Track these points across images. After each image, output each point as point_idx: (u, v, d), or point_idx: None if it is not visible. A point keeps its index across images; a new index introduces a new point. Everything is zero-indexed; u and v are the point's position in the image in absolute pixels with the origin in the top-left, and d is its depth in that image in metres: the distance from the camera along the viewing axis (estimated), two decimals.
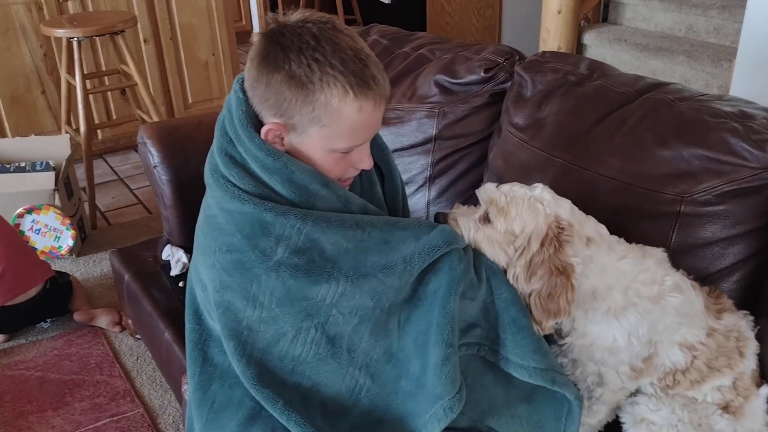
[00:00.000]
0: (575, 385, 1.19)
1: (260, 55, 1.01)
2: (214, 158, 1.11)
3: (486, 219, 1.15)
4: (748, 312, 1.24)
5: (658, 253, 1.19)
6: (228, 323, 1.08)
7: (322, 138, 1.03)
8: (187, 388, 1.24)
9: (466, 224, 1.16)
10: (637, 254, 1.16)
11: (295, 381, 1.07)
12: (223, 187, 1.06)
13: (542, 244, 1.08)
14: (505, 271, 1.14)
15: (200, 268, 1.14)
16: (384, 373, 1.08)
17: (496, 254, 1.14)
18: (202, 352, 1.16)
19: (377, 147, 1.23)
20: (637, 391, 1.22)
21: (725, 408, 1.17)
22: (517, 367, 1.11)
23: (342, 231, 1.04)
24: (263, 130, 1.04)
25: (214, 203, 1.09)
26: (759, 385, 1.20)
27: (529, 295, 1.10)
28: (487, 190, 1.17)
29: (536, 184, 1.16)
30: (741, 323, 1.21)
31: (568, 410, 1.15)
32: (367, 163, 1.11)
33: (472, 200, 1.77)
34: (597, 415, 1.22)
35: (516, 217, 1.11)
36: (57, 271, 2.42)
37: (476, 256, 1.15)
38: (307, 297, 1.04)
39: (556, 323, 1.13)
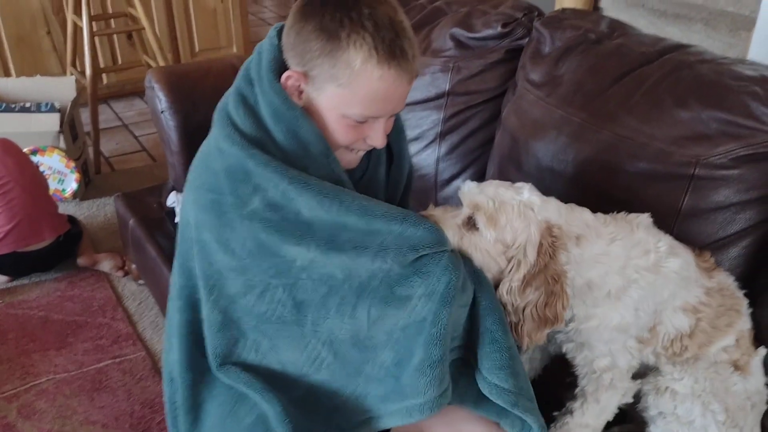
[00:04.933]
0: (587, 373, 1.16)
1: (300, 4, 1.02)
2: (227, 98, 1.11)
3: (471, 225, 1.08)
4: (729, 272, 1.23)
5: (645, 219, 1.17)
6: (202, 263, 1.09)
7: (336, 98, 1.02)
8: None
9: (449, 230, 1.08)
10: (625, 232, 1.12)
11: (256, 338, 1.07)
12: (222, 124, 1.07)
13: (537, 255, 1.05)
14: (496, 284, 1.09)
15: (185, 203, 1.14)
16: (348, 355, 1.05)
17: (486, 263, 1.08)
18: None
19: (394, 129, 1.18)
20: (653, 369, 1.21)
21: (735, 367, 1.18)
22: (482, 381, 1.06)
23: (319, 197, 1.00)
24: (284, 75, 1.04)
25: (212, 139, 1.10)
26: (755, 346, 1.21)
27: (523, 309, 1.07)
28: (471, 193, 1.10)
29: (521, 184, 1.10)
30: (730, 281, 1.21)
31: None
32: (379, 141, 1.08)
33: (482, 158, 1.76)
34: (607, 408, 1.17)
35: (506, 225, 1.06)
36: (69, 219, 2.41)
37: (462, 258, 1.08)
38: (277, 254, 1.02)
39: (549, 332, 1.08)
